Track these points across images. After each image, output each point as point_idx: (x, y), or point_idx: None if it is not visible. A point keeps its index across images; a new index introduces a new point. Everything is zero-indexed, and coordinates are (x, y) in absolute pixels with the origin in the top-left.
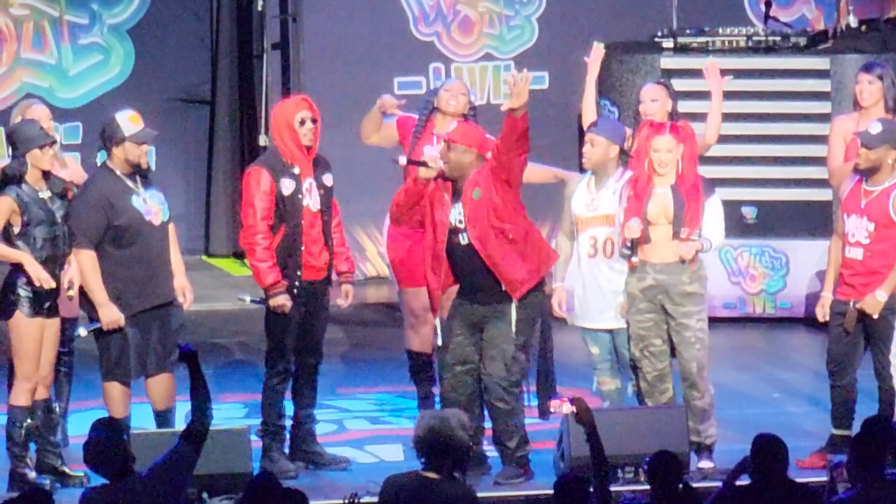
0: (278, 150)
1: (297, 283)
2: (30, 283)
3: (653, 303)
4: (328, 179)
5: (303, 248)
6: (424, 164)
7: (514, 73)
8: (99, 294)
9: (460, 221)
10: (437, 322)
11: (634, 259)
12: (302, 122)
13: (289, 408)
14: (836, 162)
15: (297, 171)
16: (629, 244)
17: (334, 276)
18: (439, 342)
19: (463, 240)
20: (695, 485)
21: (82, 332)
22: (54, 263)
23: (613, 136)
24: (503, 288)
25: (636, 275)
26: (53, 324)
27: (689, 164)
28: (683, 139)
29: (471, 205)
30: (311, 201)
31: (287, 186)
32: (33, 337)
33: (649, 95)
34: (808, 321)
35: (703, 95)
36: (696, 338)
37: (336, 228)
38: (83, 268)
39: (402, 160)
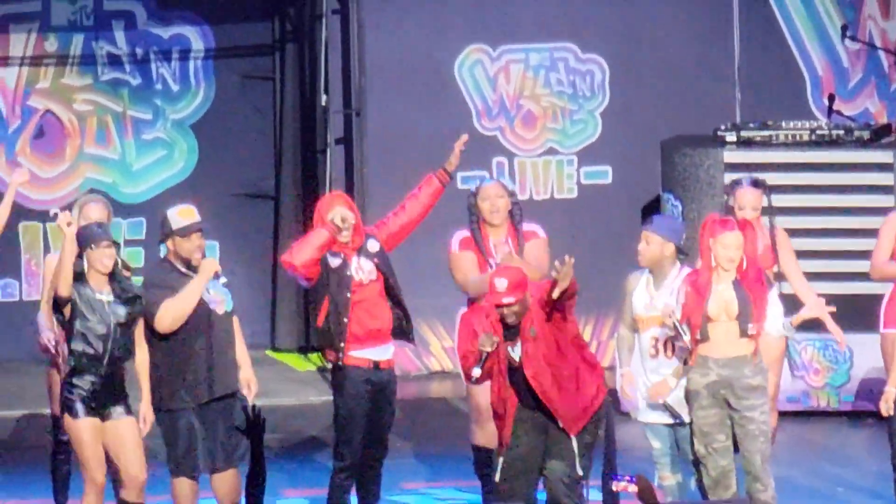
0: None
1: (340, 356)
2: (75, 384)
3: (716, 398)
4: (373, 245)
5: (346, 319)
6: (484, 355)
7: (559, 264)
8: (198, 286)
9: (519, 359)
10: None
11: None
12: (333, 221)
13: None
14: (882, 257)
15: (341, 254)
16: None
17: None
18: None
19: (522, 374)
20: None
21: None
22: (99, 363)
23: (669, 234)
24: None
25: (698, 370)
26: (118, 424)
27: (752, 259)
28: (749, 236)
29: (529, 343)
30: (364, 275)
31: (334, 262)
32: (84, 439)
33: (750, 203)
34: (873, 415)
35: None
36: (760, 430)
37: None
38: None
39: (477, 371)
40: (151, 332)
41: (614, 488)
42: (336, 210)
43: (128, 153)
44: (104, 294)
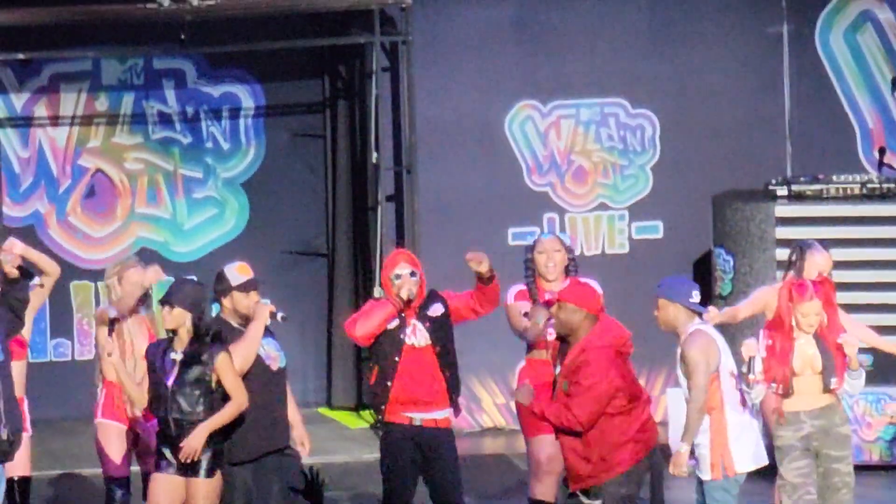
0: None
1: (380, 418)
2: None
3: (809, 450)
4: (436, 310)
5: (390, 383)
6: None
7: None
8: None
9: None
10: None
11: (752, 377)
12: (397, 277)
13: None
14: None
15: (402, 314)
16: (749, 369)
17: None
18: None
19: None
20: None
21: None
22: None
23: (672, 295)
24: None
25: (791, 427)
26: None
27: (832, 316)
28: (826, 298)
29: (560, 394)
30: (416, 339)
31: (392, 323)
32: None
33: (819, 266)
34: None
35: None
36: (843, 482)
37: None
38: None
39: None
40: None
41: None
42: (400, 266)
43: (179, 212)
44: (176, 354)
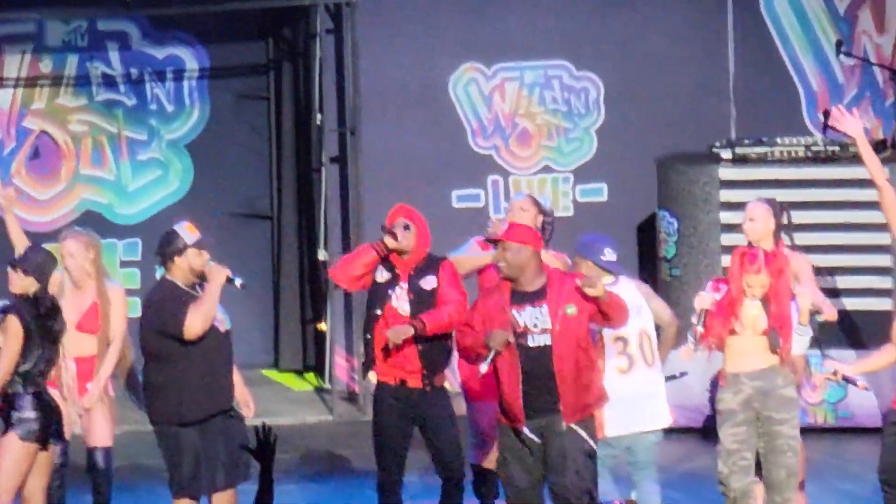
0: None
1: (369, 376)
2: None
3: (749, 413)
4: (428, 282)
5: (370, 336)
6: (498, 352)
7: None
8: (216, 288)
9: (535, 325)
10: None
11: (700, 329)
12: (391, 227)
13: None
14: None
15: (396, 270)
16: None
17: None
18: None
19: (535, 341)
20: None
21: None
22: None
23: (586, 253)
24: (557, 406)
25: (731, 389)
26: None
27: (782, 290)
28: (776, 274)
29: (563, 319)
30: (399, 304)
31: (383, 275)
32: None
33: (749, 214)
34: (870, 431)
35: None
36: (788, 445)
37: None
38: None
39: (484, 368)
40: (152, 349)
41: None
42: (396, 222)
43: (123, 174)
44: None
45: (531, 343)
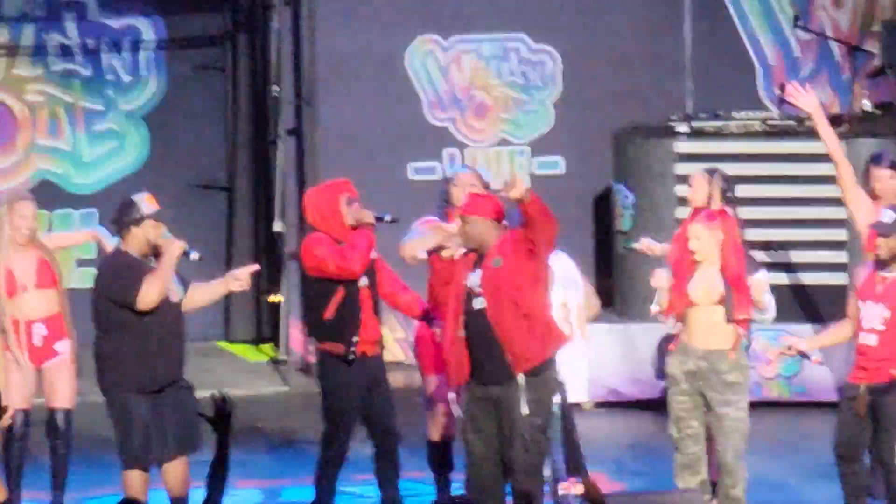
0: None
1: (352, 350)
2: None
3: (692, 386)
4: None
5: (361, 314)
6: (442, 248)
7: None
8: (171, 260)
9: (478, 286)
10: (456, 405)
11: (654, 308)
12: (348, 203)
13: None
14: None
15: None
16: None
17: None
18: (458, 412)
19: (476, 304)
20: None
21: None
22: None
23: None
24: (507, 373)
25: (679, 356)
26: None
27: (729, 252)
28: (722, 228)
29: (489, 272)
30: (362, 278)
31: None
32: None
33: (689, 181)
34: (824, 405)
35: None
36: (733, 427)
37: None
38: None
39: (422, 254)
40: (105, 319)
41: (560, 490)
42: (346, 193)
43: (79, 144)
44: None
45: (476, 306)
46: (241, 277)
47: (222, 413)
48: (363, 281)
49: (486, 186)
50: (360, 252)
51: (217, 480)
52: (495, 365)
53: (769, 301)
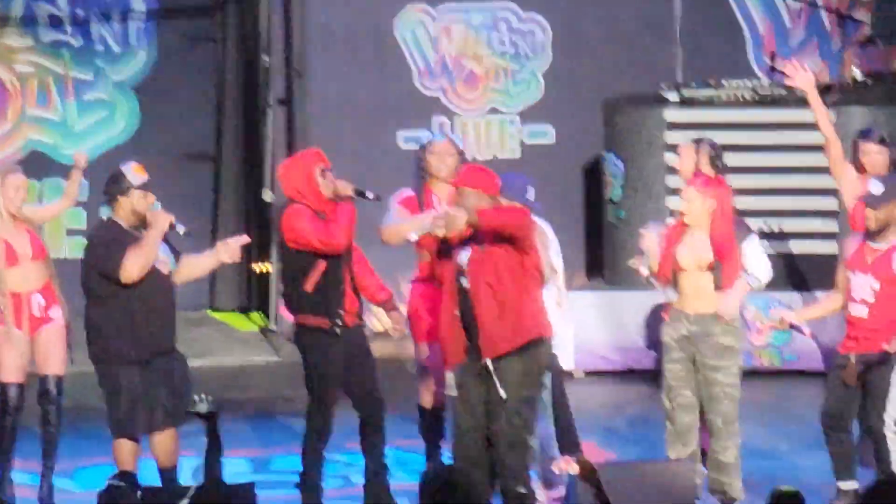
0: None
1: (338, 322)
2: None
3: (685, 353)
4: None
5: (343, 286)
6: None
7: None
8: (157, 234)
9: (466, 264)
10: (450, 374)
11: (643, 270)
12: (322, 174)
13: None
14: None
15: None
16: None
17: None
18: (453, 392)
19: (464, 283)
20: None
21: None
22: None
23: (508, 192)
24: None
25: (671, 324)
26: None
27: (719, 220)
28: (712, 194)
29: (476, 254)
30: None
31: None
32: None
33: (683, 155)
34: (815, 374)
35: None
36: (725, 393)
37: (358, 266)
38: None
39: (413, 236)
40: (93, 289)
41: (554, 469)
42: (320, 163)
43: (69, 115)
44: None
45: (463, 284)
46: (232, 247)
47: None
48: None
49: (461, 154)
50: (343, 227)
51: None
52: (477, 339)
53: (763, 266)
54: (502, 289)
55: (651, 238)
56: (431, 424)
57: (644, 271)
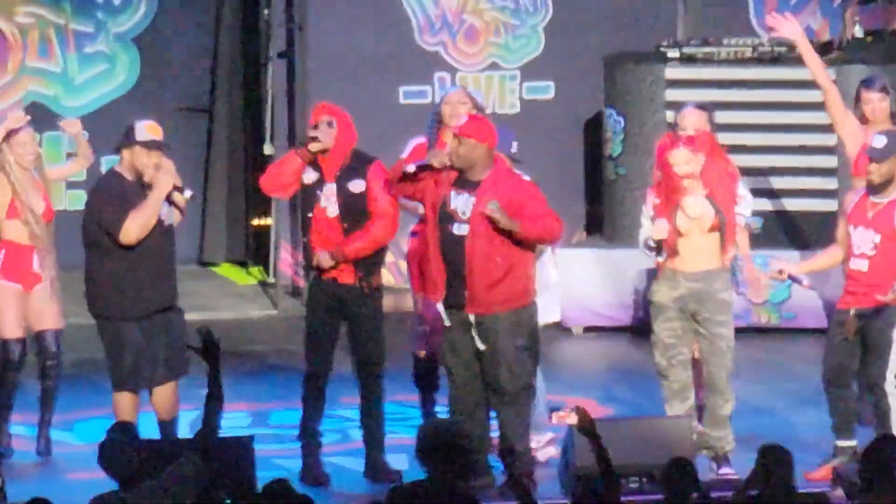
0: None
1: (311, 270)
2: None
3: (684, 311)
4: (356, 186)
5: (307, 238)
6: (430, 166)
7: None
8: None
9: (464, 213)
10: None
11: (660, 258)
12: (314, 128)
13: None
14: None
15: (321, 169)
16: (653, 244)
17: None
18: (447, 322)
19: (458, 230)
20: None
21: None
22: None
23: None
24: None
25: (666, 283)
26: None
27: (713, 174)
28: (701, 150)
29: (483, 211)
30: (329, 206)
31: (309, 176)
32: None
33: (690, 123)
34: (813, 331)
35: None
36: (728, 346)
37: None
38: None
39: (411, 167)
40: (93, 240)
41: (553, 420)
42: (320, 118)
43: (70, 66)
44: None
45: (455, 231)
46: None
47: (211, 344)
48: (332, 212)
49: (478, 108)
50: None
51: (212, 410)
52: (463, 288)
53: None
54: (506, 253)
55: (662, 228)
56: (425, 372)
57: (655, 258)
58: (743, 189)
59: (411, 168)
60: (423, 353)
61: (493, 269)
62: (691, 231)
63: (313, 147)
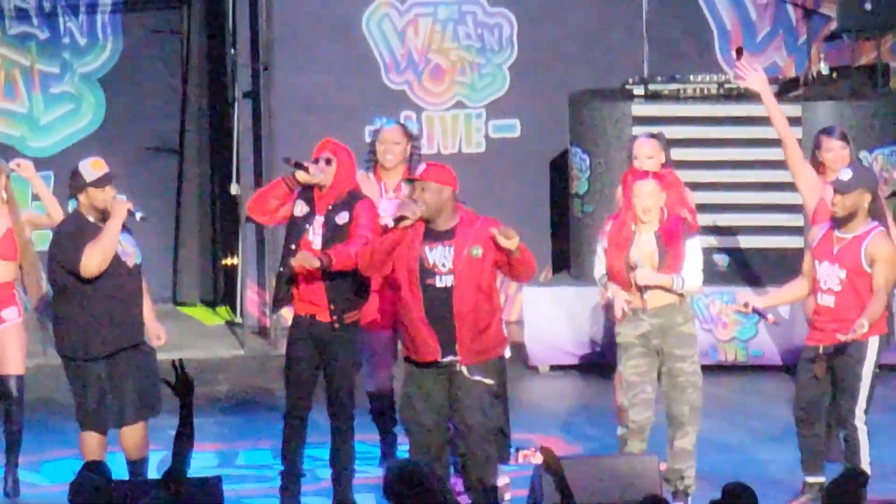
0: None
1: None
2: None
3: (648, 348)
4: (342, 218)
5: (283, 269)
6: (404, 218)
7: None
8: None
9: (444, 265)
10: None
11: (609, 295)
12: (314, 162)
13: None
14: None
15: (314, 203)
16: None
17: None
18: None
19: (441, 282)
20: None
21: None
22: None
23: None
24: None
25: (629, 323)
26: None
27: (670, 209)
28: (667, 186)
29: (467, 260)
30: (314, 238)
31: (301, 209)
32: None
33: (644, 152)
34: (780, 369)
35: (675, 143)
36: (689, 382)
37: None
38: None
39: (388, 221)
40: (58, 282)
41: (519, 459)
42: (323, 154)
43: (35, 107)
44: None
45: (438, 283)
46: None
47: (184, 380)
48: (312, 238)
49: (411, 137)
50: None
51: (182, 448)
52: (447, 341)
53: (695, 272)
54: (489, 299)
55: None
56: (383, 410)
57: (601, 286)
58: (694, 255)
59: (389, 222)
60: (376, 391)
61: (482, 317)
62: (645, 265)
63: (300, 176)
